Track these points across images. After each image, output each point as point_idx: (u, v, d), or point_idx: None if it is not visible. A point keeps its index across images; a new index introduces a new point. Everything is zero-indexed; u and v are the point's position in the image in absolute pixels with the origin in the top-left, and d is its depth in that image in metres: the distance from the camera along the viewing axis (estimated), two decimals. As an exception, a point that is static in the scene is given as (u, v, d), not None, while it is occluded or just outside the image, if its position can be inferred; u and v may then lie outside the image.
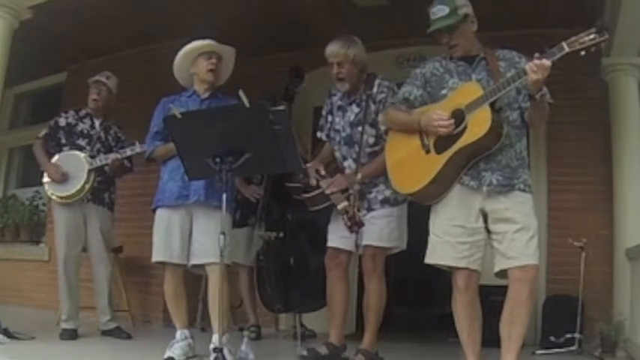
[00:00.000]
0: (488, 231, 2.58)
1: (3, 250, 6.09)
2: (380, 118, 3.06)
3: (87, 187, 3.89)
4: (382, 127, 3.13)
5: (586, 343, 3.98)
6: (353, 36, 3.29)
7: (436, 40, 2.67)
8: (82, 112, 4.15)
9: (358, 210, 3.06)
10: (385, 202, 3.20)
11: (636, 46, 4.26)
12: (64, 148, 4.02)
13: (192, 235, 3.29)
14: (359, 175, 3.12)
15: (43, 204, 6.21)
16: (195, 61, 3.36)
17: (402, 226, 3.26)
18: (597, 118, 4.52)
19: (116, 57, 5.62)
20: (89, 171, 3.88)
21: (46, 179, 3.97)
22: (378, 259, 3.22)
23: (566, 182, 4.60)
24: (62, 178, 3.88)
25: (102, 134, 4.11)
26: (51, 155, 4.02)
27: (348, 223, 3.03)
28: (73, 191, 3.88)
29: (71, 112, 4.14)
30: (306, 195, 3.25)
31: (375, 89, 3.22)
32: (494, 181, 2.52)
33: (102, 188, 4.05)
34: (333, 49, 3.21)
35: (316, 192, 3.21)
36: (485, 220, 2.57)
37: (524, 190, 2.55)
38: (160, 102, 3.48)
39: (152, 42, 5.31)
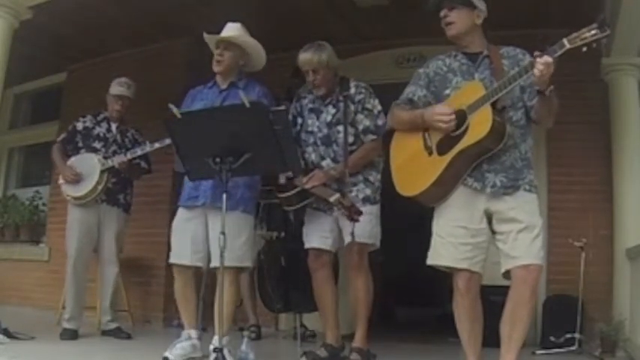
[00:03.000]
0: (492, 232, 2.55)
1: (3, 250, 6.09)
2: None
3: (99, 187, 3.96)
4: (361, 126, 3.23)
5: (586, 343, 3.98)
6: (322, 42, 3.33)
7: (436, 17, 2.63)
8: (100, 117, 4.23)
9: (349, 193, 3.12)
10: (366, 200, 3.25)
11: (636, 46, 4.25)
12: (81, 151, 4.11)
13: (209, 237, 3.22)
14: (335, 168, 3.18)
15: (43, 204, 6.22)
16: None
17: (378, 225, 3.31)
18: (597, 118, 4.52)
19: (116, 57, 5.63)
20: (101, 172, 3.96)
21: (61, 181, 4.08)
22: (363, 254, 3.26)
23: (566, 182, 4.60)
24: (75, 179, 3.97)
25: (118, 137, 4.19)
26: (68, 158, 4.11)
27: (346, 213, 3.05)
28: (85, 192, 3.96)
29: (89, 117, 4.22)
30: (282, 195, 3.26)
31: (352, 90, 3.28)
32: (498, 183, 2.49)
33: (117, 189, 4.12)
34: (306, 58, 3.25)
35: (293, 192, 3.22)
36: (490, 222, 2.54)
37: (529, 191, 2.52)
38: (188, 94, 3.43)
39: (152, 42, 5.31)
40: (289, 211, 3.39)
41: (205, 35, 3.33)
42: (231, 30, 3.32)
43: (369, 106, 3.27)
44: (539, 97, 2.41)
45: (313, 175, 3.19)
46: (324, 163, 3.31)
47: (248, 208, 3.25)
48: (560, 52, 2.24)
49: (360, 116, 3.26)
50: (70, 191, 4.01)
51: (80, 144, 4.13)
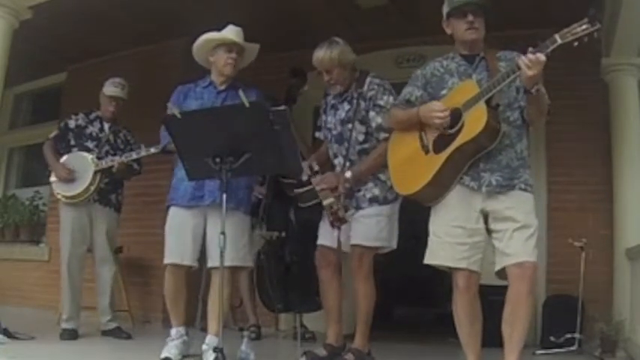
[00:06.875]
0: (488, 231, 2.57)
1: (3, 250, 6.09)
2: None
3: (92, 188, 3.93)
4: (373, 124, 3.17)
5: (586, 343, 3.98)
6: (335, 38, 3.27)
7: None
8: (92, 115, 4.19)
9: (346, 210, 3.07)
10: (374, 200, 3.19)
11: (636, 46, 4.26)
12: (73, 150, 4.07)
13: (207, 237, 3.21)
14: (348, 174, 3.15)
15: (44, 204, 6.22)
16: (214, 49, 3.27)
17: (392, 225, 3.23)
18: (597, 118, 4.52)
19: (116, 57, 5.63)
20: (95, 172, 3.92)
21: (53, 178, 4.03)
22: (364, 258, 3.20)
23: (566, 182, 4.59)
24: (68, 178, 3.93)
25: (111, 137, 4.15)
26: (60, 156, 4.06)
27: (330, 218, 3.05)
28: (78, 191, 3.92)
29: (81, 115, 4.18)
30: (298, 190, 3.26)
31: (365, 87, 3.22)
32: (494, 182, 2.51)
33: (109, 189, 4.09)
34: (317, 57, 3.21)
35: (307, 188, 3.21)
36: (486, 221, 2.56)
37: (525, 190, 2.54)
38: (176, 90, 3.36)
39: (152, 42, 5.31)
40: (302, 206, 3.33)
41: (229, 37, 3.26)
42: (238, 35, 3.28)
43: (381, 102, 3.17)
44: (527, 97, 2.43)
45: (325, 177, 3.18)
46: (336, 161, 3.31)
47: (248, 209, 3.30)
48: (552, 48, 2.26)
49: (371, 113, 3.18)
50: (61, 190, 3.97)
51: (72, 142, 4.08)
